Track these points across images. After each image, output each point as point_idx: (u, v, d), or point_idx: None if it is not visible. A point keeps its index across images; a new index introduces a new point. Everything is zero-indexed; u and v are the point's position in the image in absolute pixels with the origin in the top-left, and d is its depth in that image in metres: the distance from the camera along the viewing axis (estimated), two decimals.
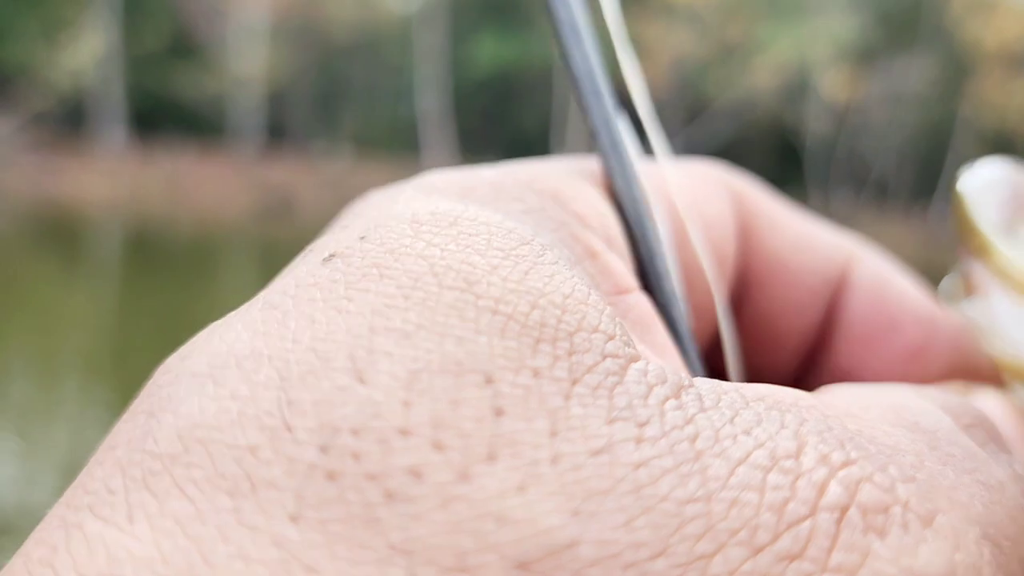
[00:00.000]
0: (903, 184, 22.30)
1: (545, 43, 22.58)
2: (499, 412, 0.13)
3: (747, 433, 0.14)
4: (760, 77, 20.86)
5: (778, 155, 22.76)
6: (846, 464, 0.14)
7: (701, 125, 21.95)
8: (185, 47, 21.42)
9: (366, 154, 22.36)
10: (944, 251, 20.40)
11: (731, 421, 0.14)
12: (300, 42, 21.73)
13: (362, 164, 21.66)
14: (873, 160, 22.02)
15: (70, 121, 20.77)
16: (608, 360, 0.15)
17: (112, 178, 19.18)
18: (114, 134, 21.16)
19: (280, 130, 22.82)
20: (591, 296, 0.17)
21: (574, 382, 0.14)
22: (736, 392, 0.15)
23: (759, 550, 0.12)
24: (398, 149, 22.93)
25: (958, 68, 21.12)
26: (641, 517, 0.12)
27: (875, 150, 21.96)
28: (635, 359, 0.15)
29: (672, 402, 0.14)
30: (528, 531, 0.12)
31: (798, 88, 21.24)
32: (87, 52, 19.61)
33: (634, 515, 0.12)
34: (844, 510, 0.13)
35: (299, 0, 20.92)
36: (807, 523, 0.13)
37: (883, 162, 22.07)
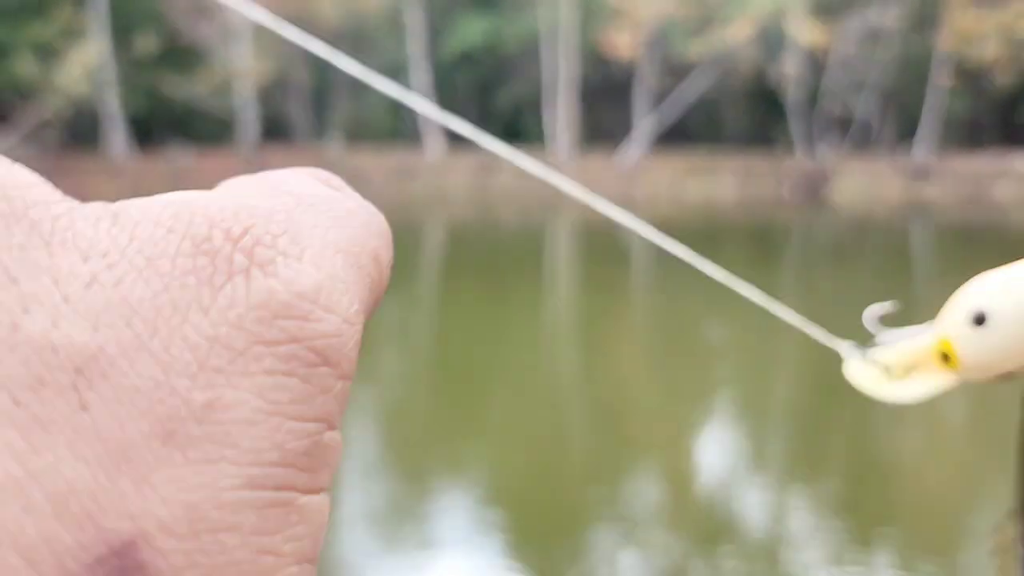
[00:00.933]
0: (888, 125, 22.74)
1: (527, 16, 23.02)
2: (14, 281, 0.16)
3: (172, 231, 0.17)
4: (738, 30, 21.28)
5: (761, 107, 23.20)
6: (243, 234, 0.18)
7: (683, 83, 22.38)
8: (175, 49, 21.89)
9: (361, 141, 22.84)
10: (931, 184, 20.89)
11: (156, 224, 0.17)
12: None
13: (358, 151, 22.15)
14: (855, 104, 22.45)
15: (70, 131, 21.26)
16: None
17: (116, 184, 19.68)
18: (114, 141, 21.64)
19: (276, 123, 23.29)
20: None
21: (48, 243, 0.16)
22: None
23: (207, 310, 0.17)
24: (394, 133, 23.40)
25: (931, 4, 21.53)
26: (118, 320, 0.16)
27: (857, 94, 22.38)
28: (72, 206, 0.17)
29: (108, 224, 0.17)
30: (74, 350, 0.15)
31: (775, 38, 21.66)
32: (84, 63, 20.06)
33: (113, 319, 0.16)
34: (247, 270, 0.17)
35: None
36: (228, 283, 0.17)
37: (866, 105, 22.50)
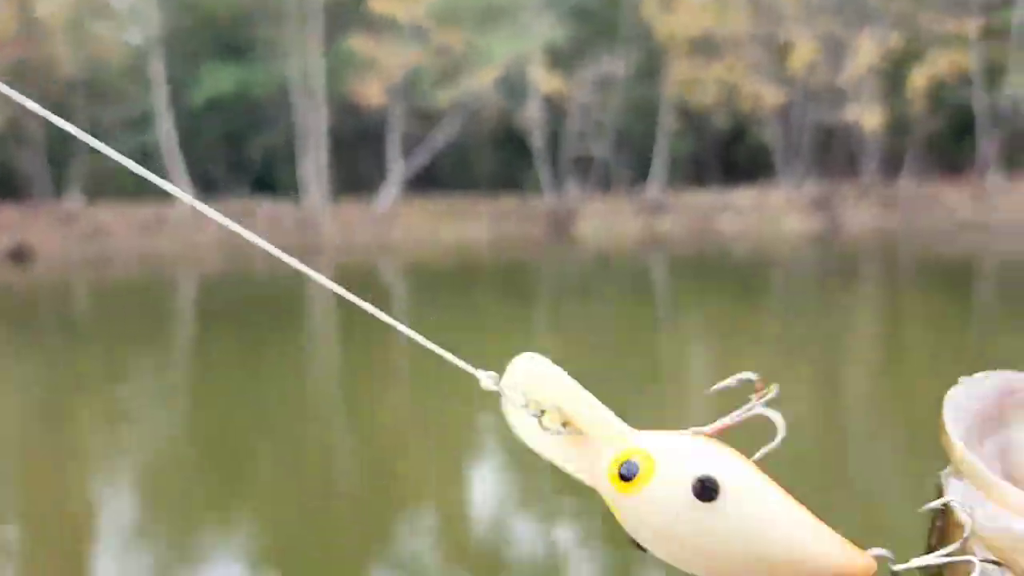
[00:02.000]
0: (624, 165, 24.38)
1: (277, 64, 22.96)
2: None
3: None
4: (482, 77, 22.24)
5: (509, 152, 24.25)
6: None
7: (433, 129, 23.06)
8: None
9: (104, 195, 21.88)
10: (664, 219, 22.57)
11: None
12: (18, 80, 20.96)
13: (100, 205, 21.22)
14: (595, 146, 23.92)
15: None
16: None
17: None
18: None
19: (8, 178, 21.92)
20: None
21: None
22: None
23: None
24: (139, 187, 22.54)
25: (656, 56, 23.38)
26: None
27: (595, 137, 23.87)
28: None
29: None
30: None
31: (519, 86, 22.79)
32: None
33: None
34: None
35: (15, 37, 20.26)
36: None
37: (604, 147, 24.03)
